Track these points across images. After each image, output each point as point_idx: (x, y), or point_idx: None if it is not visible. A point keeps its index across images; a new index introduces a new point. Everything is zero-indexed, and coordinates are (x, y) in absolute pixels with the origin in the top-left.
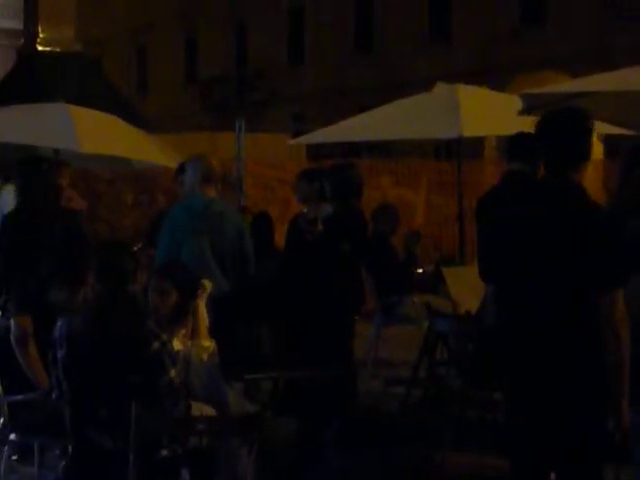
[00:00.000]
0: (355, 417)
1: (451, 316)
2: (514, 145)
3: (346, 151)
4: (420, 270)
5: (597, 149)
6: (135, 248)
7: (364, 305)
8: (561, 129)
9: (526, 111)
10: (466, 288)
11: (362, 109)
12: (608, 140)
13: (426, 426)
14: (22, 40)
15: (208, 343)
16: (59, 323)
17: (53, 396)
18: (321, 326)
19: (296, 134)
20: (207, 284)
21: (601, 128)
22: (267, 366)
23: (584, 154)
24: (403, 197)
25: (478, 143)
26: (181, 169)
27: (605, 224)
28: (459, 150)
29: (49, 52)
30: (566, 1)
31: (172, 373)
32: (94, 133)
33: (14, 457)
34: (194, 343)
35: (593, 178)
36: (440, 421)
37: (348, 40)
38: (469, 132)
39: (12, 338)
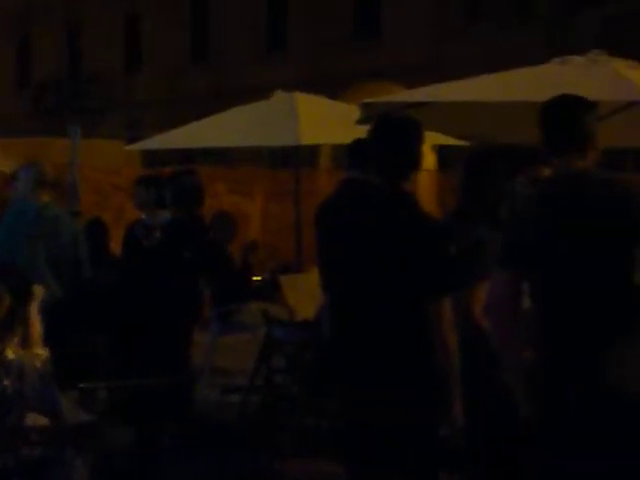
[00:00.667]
0: (192, 424)
1: (288, 324)
2: (352, 152)
3: (182, 158)
4: (257, 278)
5: (430, 159)
6: None
7: (202, 313)
8: (392, 137)
9: (364, 120)
10: (303, 296)
11: (198, 117)
12: (441, 151)
13: (263, 434)
14: None
15: (41, 351)
16: None
17: None
18: (157, 333)
19: (131, 140)
20: (38, 290)
21: (435, 139)
22: (102, 374)
23: (415, 163)
24: (239, 205)
25: (313, 152)
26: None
27: (435, 233)
28: (297, 158)
29: None
30: (399, 12)
31: (5, 382)
32: None
33: None
34: (27, 351)
35: (427, 188)
36: (277, 429)
37: (184, 47)
38: (307, 140)
39: None
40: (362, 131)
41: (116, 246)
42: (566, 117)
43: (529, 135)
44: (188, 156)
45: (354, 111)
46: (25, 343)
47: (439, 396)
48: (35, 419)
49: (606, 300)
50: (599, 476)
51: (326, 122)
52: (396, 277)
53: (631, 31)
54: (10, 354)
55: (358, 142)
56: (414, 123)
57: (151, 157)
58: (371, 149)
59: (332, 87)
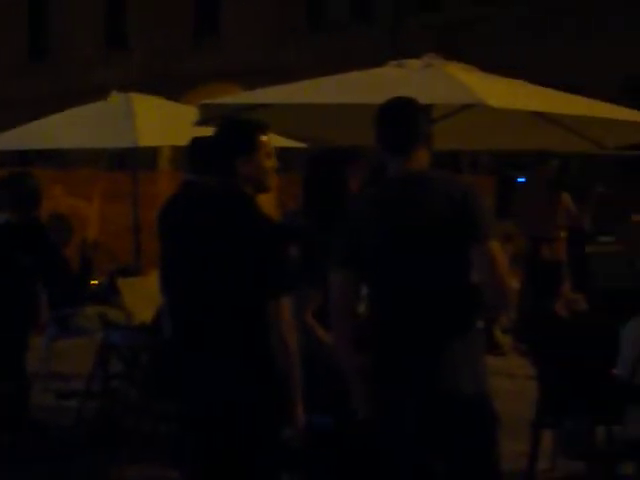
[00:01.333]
0: (27, 431)
1: (125, 327)
2: (190, 154)
3: (17, 160)
4: (95, 281)
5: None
6: None
7: (38, 317)
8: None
9: (203, 122)
10: (141, 299)
11: (37, 117)
12: (281, 153)
13: (101, 439)
14: None
15: None
16: None
17: None
18: None
19: None
20: None
21: (275, 141)
22: None
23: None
24: (76, 207)
25: (152, 154)
26: None
27: (273, 234)
28: (135, 160)
29: None
30: (240, 15)
31: None
32: None
33: None
34: None
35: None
36: (115, 434)
37: (23, 46)
38: (145, 142)
39: None
40: (201, 133)
41: None
42: (400, 119)
43: (368, 137)
44: (24, 158)
45: (192, 113)
46: None
47: (280, 397)
48: None
49: (442, 300)
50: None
51: (165, 123)
52: (235, 278)
53: (467, 35)
54: None
55: (196, 143)
56: (260, 124)
57: None
58: (214, 150)
59: (177, 88)
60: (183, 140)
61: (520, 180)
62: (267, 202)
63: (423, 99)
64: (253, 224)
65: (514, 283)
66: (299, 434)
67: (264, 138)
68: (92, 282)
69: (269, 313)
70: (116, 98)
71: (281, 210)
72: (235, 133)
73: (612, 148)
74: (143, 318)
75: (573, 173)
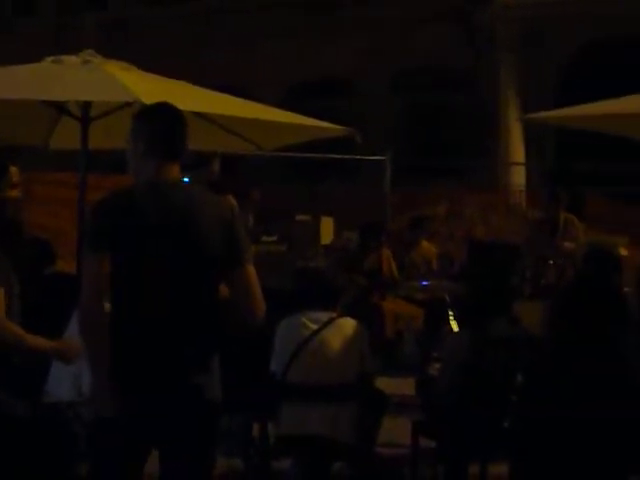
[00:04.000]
0: None
1: None
2: None
3: None
4: None
5: None
6: None
7: None
8: None
9: None
10: None
11: None
12: None
13: None
14: None
15: None
16: None
17: None
18: None
19: None
20: None
21: None
22: None
23: None
24: None
25: None
26: None
27: None
28: None
29: None
30: None
31: None
32: None
33: None
34: None
35: None
36: None
37: None
38: None
39: None
40: None
41: None
42: (177, 125)
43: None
44: None
45: None
46: None
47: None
48: None
49: (186, 312)
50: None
51: None
52: None
53: (133, 34)
54: None
55: None
56: None
57: None
58: None
59: None
60: None
61: (185, 181)
62: None
63: (80, 96)
64: None
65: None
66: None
67: None
68: None
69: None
70: None
71: None
72: None
73: (271, 149)
74: None
75: (235, 174)
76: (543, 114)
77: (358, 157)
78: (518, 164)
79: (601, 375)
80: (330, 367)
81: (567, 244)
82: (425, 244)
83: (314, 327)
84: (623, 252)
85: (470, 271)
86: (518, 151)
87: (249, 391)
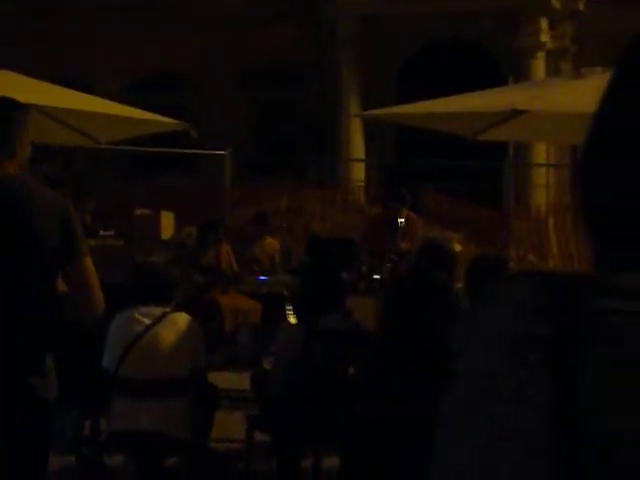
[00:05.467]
0: None
1: None
2: None
3: None
4: None
5: None
6: None
7: None
8: None
9: None
10: None
11: None
12: None
13: None
14: None
15: None
16: None
17: None
18: None
19: None
20: None
21: None
22: None
23: None
24: None
25: None
26: None
27: None
28: None
29: None
30: None
31: None
32: None
33: None
34: None
35: None
36: None
37: None
38: None
39: None
40: None
41: None
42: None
43: None
44: None
45: None
46: None
47: None
48: None
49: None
50: None
51: None
52: None
53: None
54: None
55: None
56: None
57: None
58: None
59: None
60: None
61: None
62: None
63: None
64: None
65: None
66: None
67: None
68: None
69: None
70: None
71: None
72: None
73: (107, 142)
74: None
75: (78, 168)
76: (376, 112)
77: (198, 152)
78: (358, 160)
79: (431, 373)
80: (162, 362)
81: (404, 244)
82: (269, 240)
83: (147, 322)
84: (457, 248)
85: (305, 266)
86: (358, 147)
87: (80, 387)
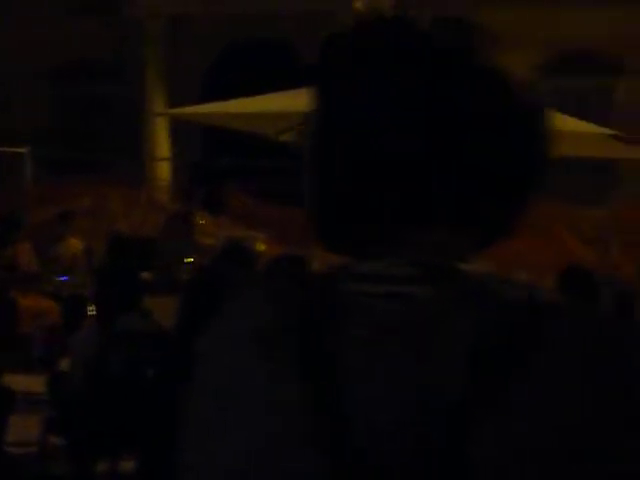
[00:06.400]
0: None
1: None
2: None
3: None
4: None
5: None
6: None
7: None
8: None
9: None
10: None
11: None
12: None
13: None
14: None
15: None
16: None
17: None
18: None
19: None
20: None
21: None
22: None
23: None
24: None
25: None
26: None
27: None
28: None
29: None
30: None
31: None
32: None
33: None
34: None
35: None
36: None
37: None
38: None
39: None
40: None
41: None
42: None
43: None
44: None
45: None
46: None
47: None
48: None
49: None
50: None
51: None
52: None
53: None
54: None
55: None
56: None
57: None
58: None
59: None
60: None
61: None
62: None
63: None
64: None
65: None
66: None
67: None
68: None
69: None
70: None
71: None
72: None
73: None
74: None
75: None
76: (175, 110)
77: None
78: (162, 159)
79: None
80: None
81: (203, 241)
82: (72, 239)
83: None
84: (261, 247)
85: (104, 266)
86: (163, 146)
87: None
